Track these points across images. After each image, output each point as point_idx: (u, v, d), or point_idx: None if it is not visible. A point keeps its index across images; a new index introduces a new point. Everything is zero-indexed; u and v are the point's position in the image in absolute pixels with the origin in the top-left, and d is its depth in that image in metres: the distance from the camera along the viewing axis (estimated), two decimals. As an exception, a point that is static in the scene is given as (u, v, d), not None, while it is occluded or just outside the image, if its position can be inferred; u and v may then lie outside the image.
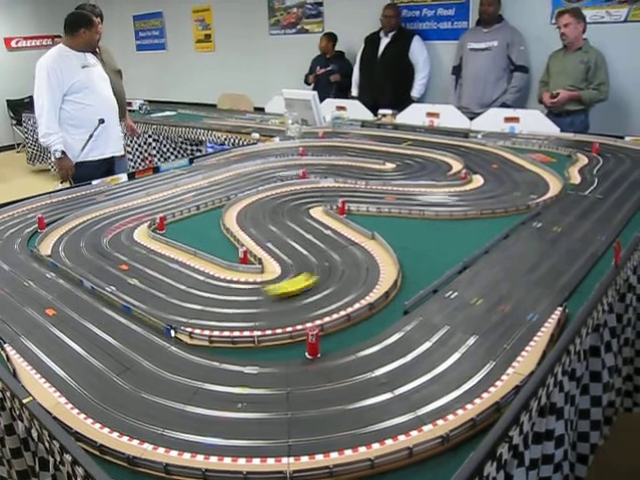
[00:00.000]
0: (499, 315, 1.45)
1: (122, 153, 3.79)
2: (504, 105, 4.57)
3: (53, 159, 3.48)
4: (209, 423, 1.11)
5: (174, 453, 1.03)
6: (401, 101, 4.86)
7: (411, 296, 1.55)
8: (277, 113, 4.92)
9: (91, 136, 3.41)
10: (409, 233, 2.10)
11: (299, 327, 1.42)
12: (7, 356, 1.34)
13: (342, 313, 1.47)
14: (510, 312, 1.46)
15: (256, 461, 1.00)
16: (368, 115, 4.62)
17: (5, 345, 1.38)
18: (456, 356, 1.28)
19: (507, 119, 3.88)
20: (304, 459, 1.00)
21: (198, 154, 4.51)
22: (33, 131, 7.30)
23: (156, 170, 3.17)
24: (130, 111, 6.24)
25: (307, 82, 6.01)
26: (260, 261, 1.84)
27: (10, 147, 9.48)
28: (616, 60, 4.17)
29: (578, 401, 1.53)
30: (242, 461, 1.00)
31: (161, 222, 2.20)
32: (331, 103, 4.77)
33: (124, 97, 4.24)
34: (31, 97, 3.52)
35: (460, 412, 1.10)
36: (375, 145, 3.58)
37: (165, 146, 5.34)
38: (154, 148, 5.45)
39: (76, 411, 1.14)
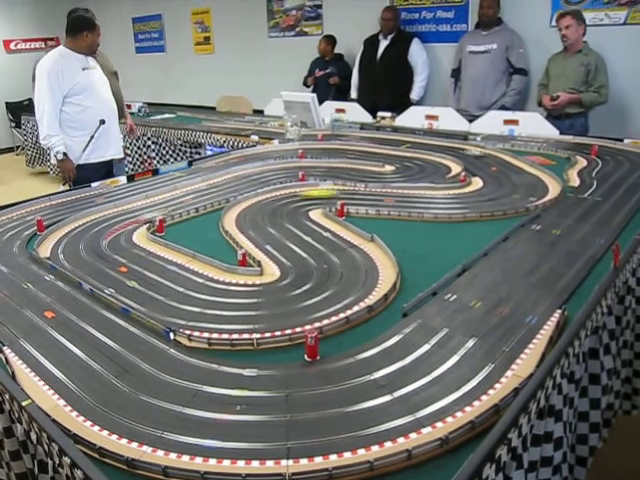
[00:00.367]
0: (498, 317, 1.45)
1: (122, 156, 3.80)
2: (503, 108, 4.59)
3: (54, 161, 3.48)
4: (208, 425, 1.10)
5: (173, 455, 1.02)
6: (400, 104, 4.87)
7: (410, 298, 1.55)
8: (276, 115, 4.93)
9: (92, 137, 3.42)
10: (408, 235, 2.10)
11: (298, 329, 1.42)
12: (6, 358, 1.34)
13: (341, 315, 1.47)
14: (509, 314, 1.46)
15: (255, 463, 1.00)
16: (367, 117, 4.62)
17: (4, 348, 1.38)
18: (455, 358, 1.28)
19: (506, 121, 3.89)
20: (303, 461, 1.00)
21: (197, 156, 4.51)
22: (32, 133, 7.31)
23: (155, 172, 3.17)
24: (129, 113, 6.27)
25: (306, 84, 6.01)
26: (259, 263, 1.84)
27: (9, 150, 9.48)
28: (615, 63, 4.17)
29: (577, 403, 1.53)
30: (241, 463, 1.00)
31: (160, 224, 2.20)
32: (330, 105, 4.77)
33: (121, 99, 4.24)
34: (30, 99, 3.54)
35: (459, 414, 1.10)
36: (374, 147, 3.58)
37: (164, 149, 5.34)
38: (153, 150, 5.45)
39: (75, 413, 1.14)
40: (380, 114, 4.61)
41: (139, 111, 6.37)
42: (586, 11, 4.39)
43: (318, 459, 1.00)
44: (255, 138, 4.23)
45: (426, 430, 1.06)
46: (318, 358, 1.32)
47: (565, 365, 1.33)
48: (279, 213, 2.34)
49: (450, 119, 4.13)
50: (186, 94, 7.71)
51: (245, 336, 1.40)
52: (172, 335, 1.42)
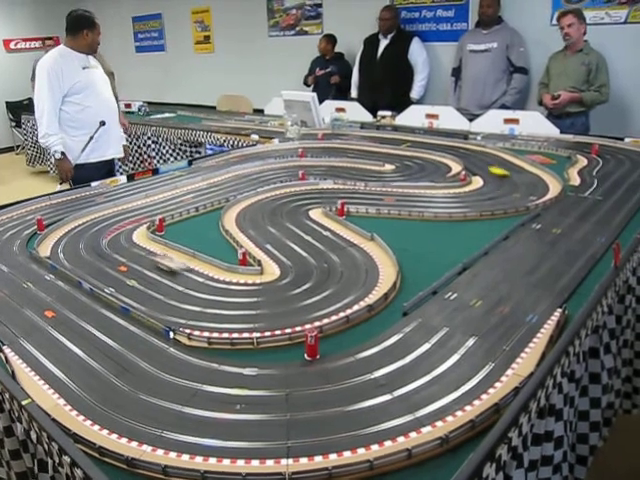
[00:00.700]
0: (498, 316, 1.45)
1: (122, 155, 3.79)
2: (504, 107, 4.58)
3: (53, 160, 3.48)
4: (208, 424, 1.10)
5: (173, 454, 1.02)
6: (400, 102, 4.86)
7: (410, 297, 1.55)
8: (276, 115, 4.92)
9: (91, 138, 3.41)
10: (408, 234, 2.10)
11: (298, 328, 1.42)
12: (6, 358, 1.34)
13: (341, 315, 1.47)
14: (509, 313, 1.46)
15: (255, 462, 1.00)
16: (367, 117, 4.62)
17: (4, 347, 1.38)
18: (455, 357, 1.28)
19: (507, 120, 3.88)
20: (303, 460, 1.00)
21: (197, 156, 4.51)
22: (32, 133, 7.30)
23: (155, 172, 3.17)
24: (129, 113, 6.27)
25: (306, 83, 6.01)
26: (259, 263, 1.84)
27: (9, 149, 9.48)
28: (616, 61, 4.17)
29: (577, 402, 1.53)
30: (241, 462, 1.00)
31: (160, 224, 2.20)
32: (330, 105, 4.77)
33: (116, 99, 4.23)
34: (30, 99, 3.54)
35: (459, 413, 1.09)
36: (374, 146, 3.58)
37: (164, 148, 5.34)
38: (153, 150, 5.45)
39: (75, 413, 1.14)
40: (380, 113, 4.61)
41: (139, 110, 6.36)
42: (587, 10, 4.38)
43: (318, 458, 1.00)
44: (255, 137, 4.23)
45: (426, 429, 1.06)
46: (318, 357, 1.32)
47: (565, 364, 1.33)
48: (279, 212, 2.34)
49: (450, 118, 4.13)
50: (186, 93, 7.70)
51: (245, 335, 1.40)
52: (172, 334, 1.42)
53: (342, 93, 5.67)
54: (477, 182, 2.68)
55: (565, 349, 1.30)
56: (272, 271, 1.80)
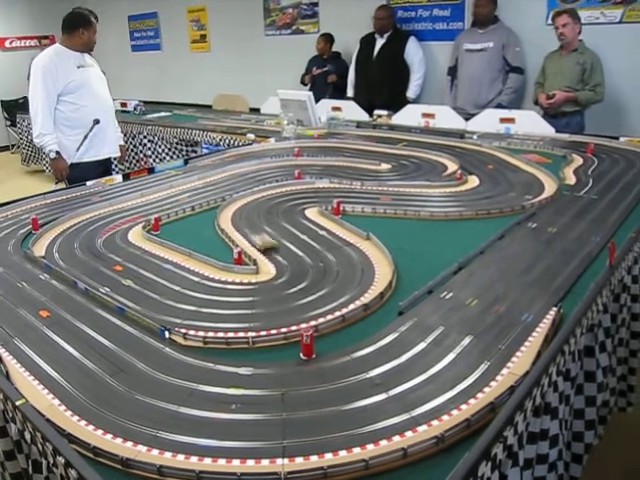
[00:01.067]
0: (494, 315, 1.45)
1: (118, 154, 3.78)
2: (499, 106, 4.58)
3: (48, 160, 3.47)
4: (203, 424, 1.10)
5: (168, 454, 1.02)
6: (397, 102, 4.86)
7: (406, 297, 1.55)
8: (272, 114, 4.91)
9: (86, 137, 3.40)
10: (404, 234, 2.10)
11: (294, 328, 1.41)
12: (0, 358, 1.33)
13: (337, 314, 1.47)
14: (505, 312, 1.46)
15: (250, 462, 1.00)
16: (364, 116, 4.61)
17: (-2, 347, 1.38)
18: (451, 357, 1.28)
19: (502, 120, 3.88)
20: (299, 460, 0.99)
21: (193, 155, 4.50)
22: (27, 132, 7.28)
23: (151, 171, 3.16)
24: (125, 112, 6.26)
25: (303, 82, 6.01)
26: (255, 262, 1.84)
27: (4, 148, 9.45)
28: (611, 61, 4.18)
29: (573, 401, 1.53)
30: (236, 462, 1.00)
31: (156, 223, 2.20)
32: (327, 104, 4.77)
33: None
34: (25, 98, 3.52)
35: (455, 412, 1.09)
36: (370, 146, 3.58)
37: (160, 147, 5.33)
38: (149, 149, 5.44)
39: (69, 413, 1.14)
40: (376, 112, 4.60)
41: (135, 109, 6.34)
42: (582, 10, 4.40)
43: (313, 457, 1.00)
44: (251, 136, 4.22)
45: (422, 428, 1.06)
46: (314, 356, 1.31)
47: (561, 363, 1.33)
48: (275, 211, 2.34)
49: (446, 117, 4.13)
50: (182, 92, 7.69)
51: (240, 334, 1.40)
52: (167, 334, 1.41)
53: (339, 92, 5.67)
54: (473, 181, 2.68)
55: (560, 348, 1.31)
56: (268, 270, 1.80)
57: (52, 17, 6.85)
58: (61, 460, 1.01)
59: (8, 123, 9.17)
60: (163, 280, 1.74)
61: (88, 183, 2.90)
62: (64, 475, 1.02)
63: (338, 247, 1.94)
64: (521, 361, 1.25)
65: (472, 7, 4.87)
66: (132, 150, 5.61)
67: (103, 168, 3.57)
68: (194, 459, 1.01)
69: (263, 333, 1.40)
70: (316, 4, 6.42)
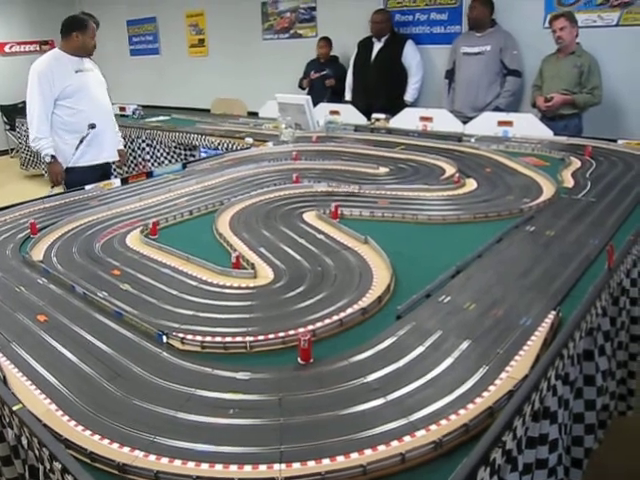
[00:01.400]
0: (492, 319, 1.45)
1: (117, 158, 3.77)
2: (497, 109, 4.59)
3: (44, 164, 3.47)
4: (201, 429, 1.10)
5: (165, 460, 1.01)
6: (394, 105, 4.86)
7: (404, 301, 1.54)
8: (271, 118, 4.92)
9: (81, 141, 3.39)
10: (402, 237, 2.09)
11: (291, 332, 1.41)
12: (-3, 363, 1.33)
13: (335, 318, 1.47)
14: (503, 316, 1.46)
15: (248, 468, 0.99)
16: (361, 119, 4.62)
17: (-5, 352, 1.37)
18: (449, 361, 1.28)
19: (500, 123, 3.89)
20: (296, 465, 0.99)
21: (191, 159, 4.50)
22: (27, 136, 7.22)
23: (149, 175, 3.16)
24: (123, 116, 6.26)
25: (301, 86, 6.01)
26: (253, 266, 1.83)
27: (4, 152, 9.44)
28: (608, 64, 4.19)
29: (572, 405, 1.52)
30: (234, 468, 0.99)
31: (154, 227, 2.19)
32: (325, 107, 4.77)
33: None
34: (25, 102, 3.51)
35: (453, 417, 1.09)
36: (368, 149, 3.58)
37: (159, 151, 5.33)
38: (148, 153, 5.44)
39: (66, 418, 1.13)
40: (374, 116, 4.60)
41: (133, 113, 6.34)
42: (579, 13, 4.41)
43: (311, 463, 0.99)
44: (249, 140, 4.22)
45: (420, 433, 1.05)
46: (311, 361, 1.31)
47: (560, 367, 1.33)
48: (273, 215, 2.33)
49: (444, 121, 4.13)
50: (180, 96, 7.69)
51: (238, 339, 1.40)
52: (165, 338, 1.41)
53: (337, 96, 5.67)
54: (471, 184, 2.68)
55: (559, 352, 1.30)
56: (266, 274, 1.79)
57: (52, 22, 6.85)
58: (58, 466, 1.00)
59: (7, 127, 9.17)
60: (161, 284, 1.74)
61: (86, 187, 2.90)
62: (61, 481, 1.02)
63: (336, 251, 1.94)
64: (520, 365, 1.24)
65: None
66: (130, 154, 5.61)
67: (101, 172, 3.56)
68: (191, 464, 1.00)
69: (261, 337, 1.40)
70: (314, 8, 6.43)
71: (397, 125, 4.34)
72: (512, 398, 1.12)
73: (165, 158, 5.27)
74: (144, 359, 1.34)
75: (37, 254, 2.03)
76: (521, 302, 1.52)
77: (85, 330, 1.48)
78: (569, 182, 2.66)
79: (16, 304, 1.64)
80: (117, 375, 1.28)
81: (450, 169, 2.97)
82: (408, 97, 5.34)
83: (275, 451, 1.02)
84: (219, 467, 0.99)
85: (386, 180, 2.88)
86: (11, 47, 9.46)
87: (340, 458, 1.00)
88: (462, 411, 1.11)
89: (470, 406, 1.12)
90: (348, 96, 5.63)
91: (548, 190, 2.52)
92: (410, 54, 5.31)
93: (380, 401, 1.15)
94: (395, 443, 1.03)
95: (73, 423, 1.12)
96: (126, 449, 1.04)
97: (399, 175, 2.96)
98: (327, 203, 2.37)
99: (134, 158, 5.62)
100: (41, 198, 2.72)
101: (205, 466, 1.00)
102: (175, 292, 1.68)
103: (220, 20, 7.38)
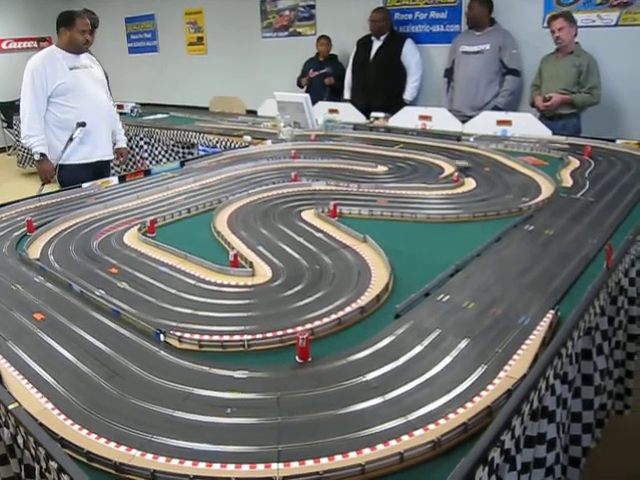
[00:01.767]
0: (491, 318, 1.44)
1: (111, 157, 3.74)
2: (496, 108, 4.60)
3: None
4: (199, 429, 1.09)
5: (162, 459, 1.01)
6: (393, 104, 4.86)
7: (402, 299, 1.54)
8: (269, 116, 4.91)
9: (71, 139, 3.37)
10: (401, 236, 2.09)
11: (289, 331, 1.40)
12: (-7, 361, 1.32)
13: (333, 317, 1.46)
14: (502, 315, 1.46)
15: (245, 467, 0.99)
16: (360, 118, 4.61)
17: (-9, 350, 1.36)
18: (447, 360, 1.28)
19: (499, 122, 3.89)
20: (294, 465, 0.99)
21: (190, 157, 4.49)
22: (23, 134, 7.25)
23: (147, 173, 3.15)
24: (122, 114, 6.24)
25: (300, 85, 6.00)
26: (251, 264, 1.83)
27: (1, 150, 9.42)
28: (607, 64, 4.19)
29: (570, 404, 1.52)
30: (231, 467, 0.99)
31: (152, 225, 2.19)
32: (323, 106, 4.76)
33: None
34: (22, 99, 3.48)
35: (452, 416, 1.09)
36: (367, 148, 3.57)
37: (157, 149, 5.32)
38: (146, 151, 5.42)
39: (63, 417, 1.13)
40: (373, 114, 4.60)
41: (132, 111, 6.33)
42: (578, 12, 4.41)
43: (309, 462, 0.99)
44: (248, 139, 4.21)
45: (418, 432, 1.05)
46: (310, 360, 1.31)
47: (558, 366, 1.33)
48: (271, 214, 2.33)
49: (443, 119, 4.13)
50: (179, 94, 7.67)
51: (236, 337, 1.39)
52: (162, 337, 1.40)
53: (336, 94, 5.67)
54: (470, 183, 2.68)
55: (558, 351, 1.30)
56: (264, 273, 1.79)
57: (50, 19, 6.82)
58: (54, 465, 0.99)
59: (4, 125, 9.16)
60: (158, 283, 1.73)
61: (84, 185, 2.89)
62: (57, 480, 1.01)
63: (334, 249, 1.93)
64: (518, 364, 1.24)
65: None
66: (128, 152, 5.59)
67: (94, 170, 3.49)
68: (188, 463, 1.00)
69: (259, 336, 1.39)
70: (313, 6, 6.42)
71: (396, 124, 4.34)
72: (510, 397, 1.12)
73: (163, 156, 5.26)
74: (141, 358, 1.34)
75: (34, 252, 2.02)
76: (520, 301, 1.52)
77: (82, 328, 1.47)
78: (568, 181, 2.66)
79: (12, 302, 1.63)
80: (114, 374, 1.27)
81: (449, 168, 2.96)
82: (407, 96, 5.34)
83: (273, 450, 1.02)
84: (216, 466, 0.99)
85: (385, 179, 2.88)
86: (8, 44, 9.44)
87: (338, 457, 1.00)
88: (461, 410, 1.10)
89: (469, 405, 1.12)
90: (347, 95, 5.63)
91: (547, 189, 2.52)
92: (409, 53, 5.30)
93: (378, 400, 1.15)
94: (394, 442, 1.03)
95: (69, 422, 1.11)
96: (123, 448, 1.04)
97: (398, 174, 2.95)
98: (326, 201, 2.36)
99: (132, 156, 5.60)
100: (38, 196, 2.71)
101: (202, 465, 0.99)
102: (173, 290, 1.68)
103: (219, 18, 7.37)
